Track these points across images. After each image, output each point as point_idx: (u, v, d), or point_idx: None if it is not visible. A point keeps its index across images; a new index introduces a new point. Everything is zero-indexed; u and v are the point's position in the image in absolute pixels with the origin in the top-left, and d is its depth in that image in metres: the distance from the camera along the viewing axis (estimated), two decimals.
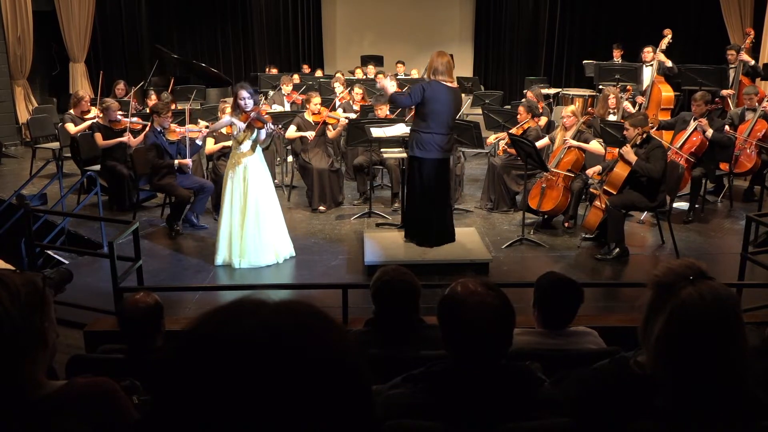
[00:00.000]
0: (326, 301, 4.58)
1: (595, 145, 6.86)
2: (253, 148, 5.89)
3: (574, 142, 6.76)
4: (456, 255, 5.93)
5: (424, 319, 2.94)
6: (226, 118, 5.98)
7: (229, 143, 6.74)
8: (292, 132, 7.79)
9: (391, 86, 5.75)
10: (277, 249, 6.06)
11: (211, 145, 7.43)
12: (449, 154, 5.86)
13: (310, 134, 7.65)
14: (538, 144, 6.99)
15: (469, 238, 6.31)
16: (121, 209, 7.59)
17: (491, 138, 7.94)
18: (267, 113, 6.55)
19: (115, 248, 4.46)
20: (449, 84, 5.65)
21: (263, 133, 5.90)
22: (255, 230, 5.90)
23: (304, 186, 8.00)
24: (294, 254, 6.18)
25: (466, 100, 10.56)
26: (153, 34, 14.05)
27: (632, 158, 5.99)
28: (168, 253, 6.43)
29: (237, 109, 5.83)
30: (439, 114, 5.59)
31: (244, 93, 5.78)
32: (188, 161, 6.88)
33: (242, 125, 5.78)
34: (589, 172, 6.48)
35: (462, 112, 9.69)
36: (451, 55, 12.89)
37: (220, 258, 5.95)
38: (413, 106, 5.74)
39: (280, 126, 6.64)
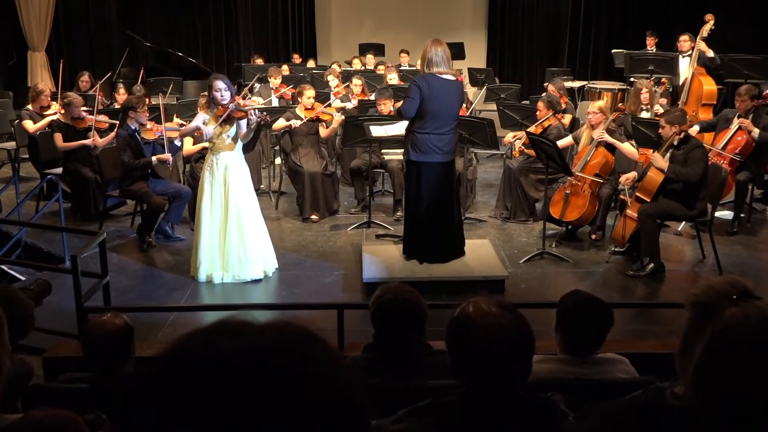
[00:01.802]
0: (319, 323, 4.58)
1: (629, 147, 6.86)
2: (233, 145, 5.93)
3: (608, 137, 6.75)
4: (467, 271, 5.93)
5: (430, 344, 2.94)
6: (198, 117, 6.01)
7: (198, 147, 6.77)
8: (280, 123, 7.82)
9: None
10: (264, 261, 6.08)
11: (189, 146, 7.41)
12: (451, 156, 5.87)
13: (295, 122, 7.68)
14: (560, 143, 7.00)
15: (482, 251, 6.31)
16: (86, 218, 7.60)
17: (508, 137, 7.95)
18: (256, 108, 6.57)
19: (78, 263, 4.46)
20: (447, 76, 5.68)
21: (243, 125, 5.92)
22: (238, 239, 5.92)
23: (294, 192, 8.01)
24: (276, 266, 6.21)
25: (478, 94, 10.58)
26: (123, 19, 14.10)
27: (662, 165, 6.00)
28: (139, 268, 6.43)
29: (212, 103, 5.88)
30: (436, 111, 5.61)
31: (220, 84, 5.85)
32: (168, 156, 6.89)
33: (210, 130, 5.84)
34: (623, 179, 6.47)
35: (473, 107, 9.71)
36: (461, 44, 13.09)
37: (204, 273, 5.95)
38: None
39: (265, 113, 6.68)
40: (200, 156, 7.40)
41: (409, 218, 6.08)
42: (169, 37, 14.32)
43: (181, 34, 14.73)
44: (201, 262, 5.95)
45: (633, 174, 6.45)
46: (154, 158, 6.83)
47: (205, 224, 5.93)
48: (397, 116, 6.26)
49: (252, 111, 5.97)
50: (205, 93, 8.23)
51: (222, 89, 5.85)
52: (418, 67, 11.64)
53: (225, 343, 0.76)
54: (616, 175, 6.80)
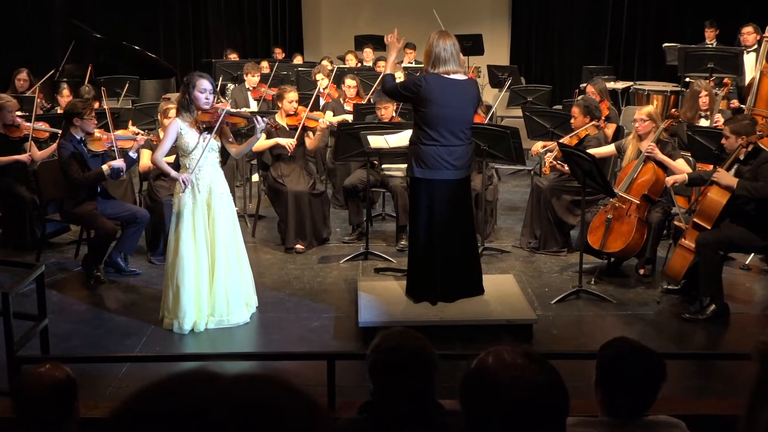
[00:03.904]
0: (305, 377, 4.56)
1: (682, 165, 6.86)
2: (216, 161, 5.94)
3: (658, 153, 6.75)
4: (486, 313, 5.92)
5: (441, 403, 2.93)
6: (172, 126, 5.90)
7: (171, 158, 6.77)
8: (261, 141, 7.77)
9: (391, 67, 6.04)
10: (247, 301, 6.10)
11: (147, 160, 7.40)
12: (466, 172, 5.90)
13: (289, 142, 7.64)
14: (599, 152, 7.01)
15: (504, 289, 6.31)
16: (21, 247, 7.59)
17: (536, 147, 7.96)
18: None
19: (10, 302, 4.45)
20: (456, 76, 5.72)
21: (260, 129, 5.92)
22: (227, 277, 5.91)
23: (274, 216, 8.01)
24: (257, 304, 6.23)
25: (499, 96, 10.62)
26: (68, 5, 14.18)
27: (730, 181, 6.00)
28: (84, 309, 6.42)
29: (190, 106, 5.83)
30: (444, 119, 5.65)
31: (206, 84, 5.81)
32: (120, 162, 6.81)
33: (194, 135, 5.80)
34: (669, 180, 6.45)
35: (494, 112, 9.74)
36: (479, 36, 13.15)
37: (189, 322, 5.84)
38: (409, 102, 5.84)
39: (273, 118, 6.68)
40: (161, 172, 7.39)
41: (414, 249, 6.07)
42: (123, 27, 14.39)
43: (138, 23, 14.79)
44: (186, 311, 5.82)
45: (683, 176, 6.42)
46: (104, 166, 6.79)
47: (189, 262, 5.81)
48: (381, 84, 6.29)
49: (257, 116, 5.93)
50: (168, 96, 8.23)
51: (208, 90, 5.81)
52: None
53: (196, 392, 0.76)
54: (669, 196, 6.79)
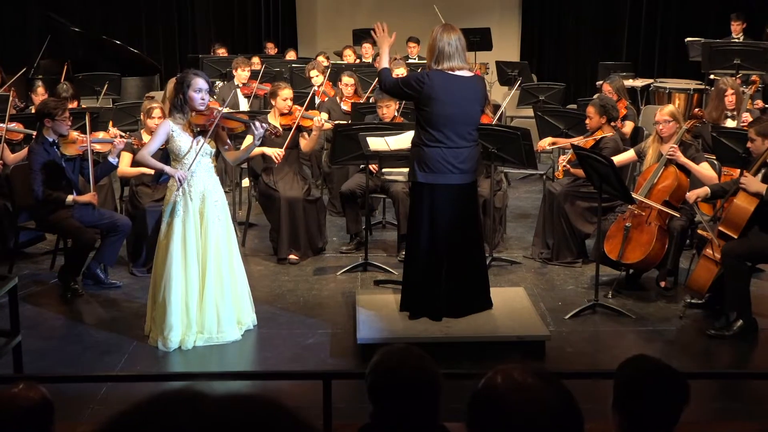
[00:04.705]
0: (299, 398, 4.57)
1: (706, 169, 6.85)
2: (211, 166, 5.92)
3: (681, 156, 6.74)
4: (495, 329, 5.92)
5: (446, 426, 2.93)
6: (162, 127, 5.86)
7: (151, 171, 6.73)
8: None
9: (386, 61, 5.98)
10: (240, 319, 6.08)
11: (126, 165, 7.37)
12: (472, 176, 5.90)
13: (276, 153, 7.60)
14: (618, 159, 7.00)
15: (514, 303, 6.31)
16: None
17: (543, 143, 7.94)
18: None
19: None
20: (462, 72, 5.73)
21: (258, 137, 5.89)
22: (218, 291, 5.89)
23: (266, 224, 8.01)
24: (255, 323, 6.21)
25: (509, 95, 10.62)
26: None
27: (759, 187, 5.99)
28: (61, 324, 6.41)
29: (183, 107, 5.79)
30: (448, 118, 5.65)
31: (202, 83, 5.77)
32: (90, 197, 6.78)
33: (187, 138, 5.77)
34: (691, 195, 6.45)
35: (503, 112, 9.74)
36: (488, 30, 13.17)
37: (176, 338, 5.81)
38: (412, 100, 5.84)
39: (273, 124, 6.65)
40: (143, 180, 7.38)
41: (414, 259, 6.04)
42: (103, 21, 14.41)
43: (119, 16, 14.81)
44: (172, 326, 5.79)
45: (704, 189, 6.40)
46: (69, 198, 6.73)
47: (178, 274, 5.78)
48: (379, 81, 6.29)
49: (255, 122, 5.92)
50: (151, 95, 8.20)
51: (204, 90, 5.78)
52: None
53: (181, 413, 0.77)
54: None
